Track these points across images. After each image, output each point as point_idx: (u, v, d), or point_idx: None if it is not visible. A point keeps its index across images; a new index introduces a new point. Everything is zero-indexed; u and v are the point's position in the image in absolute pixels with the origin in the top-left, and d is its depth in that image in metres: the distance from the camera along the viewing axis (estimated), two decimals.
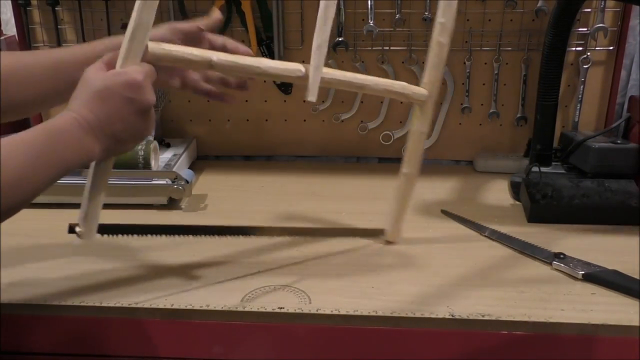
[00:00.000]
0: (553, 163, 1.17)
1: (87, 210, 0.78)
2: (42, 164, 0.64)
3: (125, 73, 0.66)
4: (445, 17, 0.88)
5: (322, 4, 0.76)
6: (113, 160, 0.74)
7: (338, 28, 1.25)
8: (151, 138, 1.26)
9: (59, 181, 1.10)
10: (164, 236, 0.94)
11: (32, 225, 0.98)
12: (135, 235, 0.90)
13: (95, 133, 0.66)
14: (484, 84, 1.29)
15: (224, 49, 0.83)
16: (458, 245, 0.96)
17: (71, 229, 0.77)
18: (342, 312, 0.77)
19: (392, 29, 1.26)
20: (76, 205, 1.09)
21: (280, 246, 0.95)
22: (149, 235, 0.91)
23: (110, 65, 0.68)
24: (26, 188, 0.63)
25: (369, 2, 1.23)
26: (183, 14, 1.26)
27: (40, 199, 1.08)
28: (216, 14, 0.86)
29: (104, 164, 0.74)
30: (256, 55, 1.28)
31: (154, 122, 0.72)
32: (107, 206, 1.08)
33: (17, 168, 0.61)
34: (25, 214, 1.06)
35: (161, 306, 0.79)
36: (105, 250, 0.93)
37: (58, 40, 1.29)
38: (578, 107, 1.27)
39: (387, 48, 1.27)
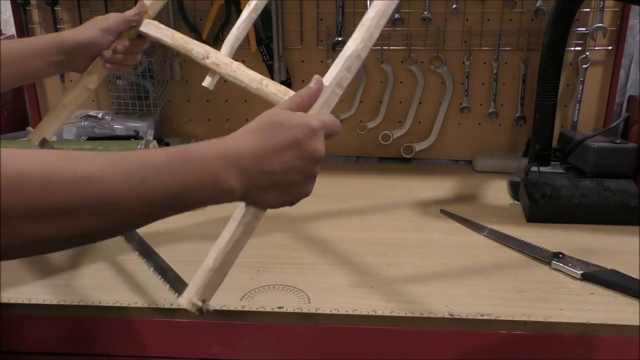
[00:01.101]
0: (552, 163, 1.17)
1: (213, 276, 0.59)
2: (149, 187, 0.51)
3: (303, 116, 0.61)
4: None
5: None
6: (261, 216, 0.62)
7: (337, 27, 1.25)
8: (151, 138, 1.26)
9: None
10: (161, 235, 0.94)
11: None
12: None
13: (243, 166, 0.56)
14: (483, 84, 1.29)
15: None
16: (457, 245, 0.96)
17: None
18: (342, 312, 0.77)
19: (391, 29, 1.26)
20: None
21: (279, 246, 0.95)
22: (148, 236, 0.91)
23: (297, 107, 0.63)
24: (116, 213, 0.50)
25: (368, 1, 1.23)
26: (182, 14, 1.26)
27: None
28: (141, 5, 0.90)
29: (250, 217, 0.61)
30: (255, 54, 1.29)
31: (313, 183, 0.63)
32: None
33: (108, 187, 0.49)
34: None
35: (160, 306, 0.79)
36: (105, 250, 0.93)
37: None
38: (577, 107, 1.27)
39: (386, 48, 1.27)
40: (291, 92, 0.72)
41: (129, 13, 0.88)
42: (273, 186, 0.59)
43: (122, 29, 0.88)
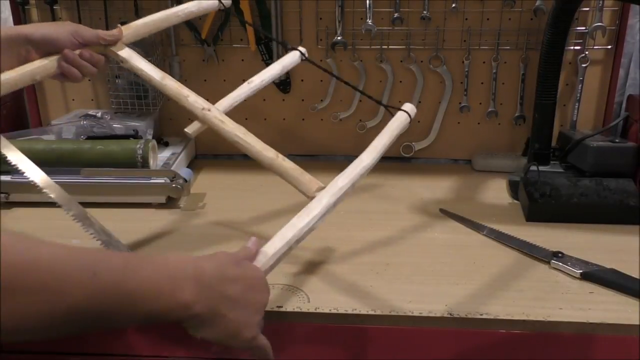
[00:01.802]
0: (551, 162, 1.17)
1: None
2: (101, 284, 0.49)
3: (257, 268, 0.67)
4: None
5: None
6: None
7: (337, 27, 1.25)
8: (150, 137, 1.26)
9: (58, 180, 1.11)
10: (163, 236, 0.94)
11: (32, 224, 0.98)
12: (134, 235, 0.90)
13: (204, 280, 0.57)
14: (482, 83, 1.29)
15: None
16: (456, 244, 0.96)
17: None
18: (341, 311, 0.77)
19: (390, 28, 1.26)
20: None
21: None
22: (148, 236, 0.91)
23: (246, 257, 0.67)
24: (62, 305, 0.48)
25: (368, 1, 1.23)
26: None
27: (34, 197, 1.08)
28: (117, 32, 0.88)
29: None
30: (255, 54, 1.29)
31: (260, 329, 0.64)
32: (105, 205, 1.08)
33: (55, 275, 0.47)
34: (25, 212, 1.07)
35: None
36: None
37: None
38: (576, 106, 1.27)
39: (386, 47, 1.27)
40: (306, 174, 0.80)
41: (104, 32, 0.86)
42: (224, 310, 0.58)
43: (91, 42, 0.86)
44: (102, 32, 0.86)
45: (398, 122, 0.87)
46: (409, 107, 0.90)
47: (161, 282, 0.53)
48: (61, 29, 0.84)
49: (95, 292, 0.49)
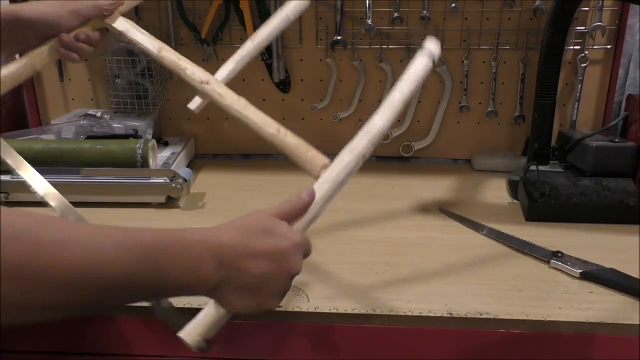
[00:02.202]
0: (551, 162, 1.17)
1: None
2: (134, 261, 0.50)
3: (290, 228, 0.61)
4: None
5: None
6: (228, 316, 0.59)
7: (336, 27, 1.25)
8: (149, 136, 1.26)
9: (58, 180, 1.11)
10: None
11: None
12: None
13: (222, 258, 0.55)
14: (482, 83, 1.29)
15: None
16: (456, 243, 0.96)
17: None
18: (341, 311, 0.77)
19: (390, 28, 1.26)
20: (73, 204, 1.09)
21: None
22: None
23: (279, 217, 0.62)
24: (82, 290, 0.48)
25: (367, 1, 1.23)
26: (181, 13, 1.26)
27: (34, 197, 1.08)
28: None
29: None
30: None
31: (281, 299, 0.61)
32: (105, 205, 1.08)
33: (78, 259, 0.47)
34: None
35: None
36: None
37: None
38: (576, 106, 1.27)
39: (385, 46, 1.27)
40: (313, 150, 0.72)
41: (104, 2, 0.82)
42: (244, 287, 0.57)
43: (91, 15, 0.81)
44: (101, 2, 0.82)
45: (417, 69, 0.71)
46: (431, 46, 0.72)
47: (187, 260, 0.54)
48: (60, 10, 0.79)
49: (130, 267, 0.50)
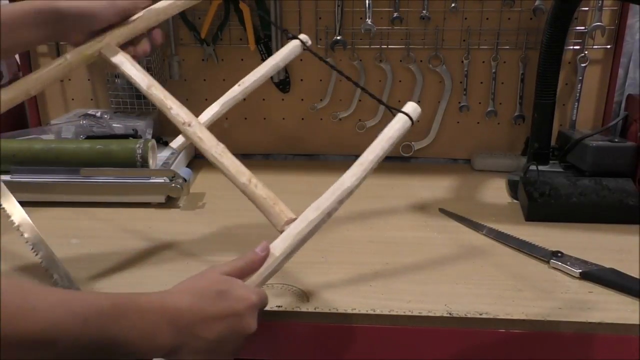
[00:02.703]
0: (551, 161, 1.17)
1: None
2: (89, 330, 0.51)
3: (246, 289, 0.63)
4: None
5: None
6: None
7: (336, 26, 1.25)
8: (149, 136, 1.26)
9: (58, 180, 1.11)
10: (163, 235, 0.94)
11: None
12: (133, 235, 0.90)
13: (179, 325, 0.57)
14: (481, 83, 1.29)
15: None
16: (456, 243, 0.96)
17: None
18: (340, 311, 0.77)
19: (390, 28, 1.26)
20: (73, 204, 1.10)
21: None
22: (147, 236, 0.91)
23: (234, 274, 0.64)
24: (51, 351, 0.50)
25: (367, 0, 1.23)
26: (181, 14, 1.26)
27: (34, 197, 1.08)
28: None
29: None
30: (254, 53, 1.29)
31: (234, 357, 0.63)
32: (105, 205, 1.08)
33: (50, 324, 0.49)
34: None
35: None
36: (105, 248, 0.93)
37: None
38: (576, 106, 1.27)
39: (385, 46, 1.27)
40: (280, 204, 0.73)
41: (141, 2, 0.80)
42: (199, 351, 0.59)
43: (129, 9, 0.80)
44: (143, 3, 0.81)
45: (396, 128, 0.76)
46: (410, 107, 0.76)
47: (144, 327, 0.55)
48: (98, 3, 0.77)
49: (83, 338, 0.51)
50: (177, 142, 0.83)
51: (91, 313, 0.52)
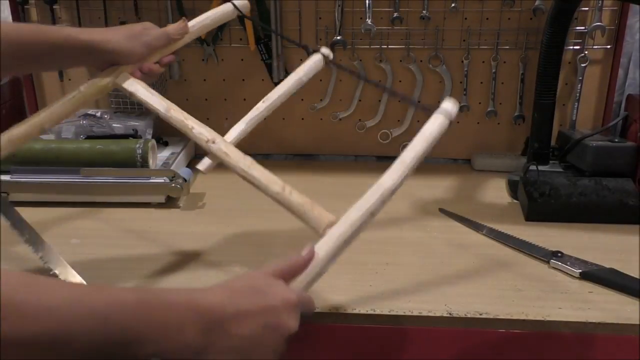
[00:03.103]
0: (550, 161, 1.17)
1: None
2: (111, 328, 0.48)
3: (284, 286, 0.60)
4: None
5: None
6: None
7: (336, 26, 1.25)
8: (149, 136, 1.26)
9: (58, 180, 1.11)
10: (163, 235, 0.94)
11: (31, 224, 0.97)
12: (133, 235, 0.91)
13: (209, 322, 0.53)
14: (481, 83, 1.29)
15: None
16: (456, 243, 0.96)
17: None
18: (341, 311, 0.77)
19: (390, 28, 1.26)
20: (73, 204, 1.10)
21: (278, 244, 0.95)
22: (147, 236, 0.91)
23: (277, 275, 0.61)
24: (70, 350, 0.47)
25: (367, 0, 1.23)
26: (181, 13, 1.26)
27: (34, 197, 1.08)
28: (184, 25, 0.85)
29: None
30: (254, 53, 1.29)
31: (276, 358, 0.59)
32: (105, 205, 1.08)
33: (68, 323, 0.46)
34: (25, 212, 1.06)
35: None
36: (105, 248, 0.93)
37: None
38: (576, 106, 1.27)
39: (385, 46, 1.27)
40: (317, 206, 0.71)
41: (172, 28, 0.83)
42: (232, 351, 0.54)
43: (162, 45, 0.82)
44: (170, 30, 0.83)
45: (433, 129, 0.74)
46: (448, 106, 0.73)
47: (169, 324, 0.51)
48: (134, 43, 0.79)
49: (104, 337, 0.48)
50: (204, 164, 0.79)
51: (114, 310, 0.49)
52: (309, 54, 0.90)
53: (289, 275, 0.62)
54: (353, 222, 0.66)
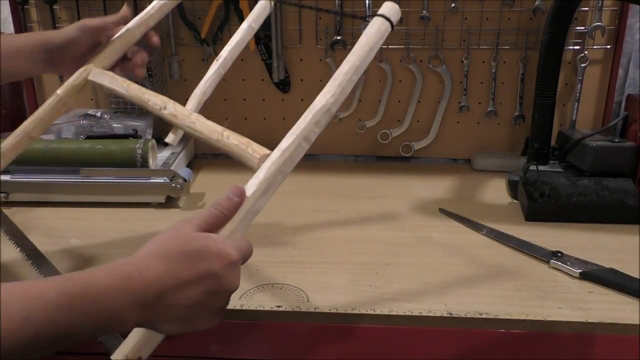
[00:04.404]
0: (550, 161, 1.17)
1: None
2: (34, 329, 0.46)
3: (222, 244, 0.56)
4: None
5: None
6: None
7: (336, 26, 1.25)
8: (149, 136, 1.26)
9: (58, 180, 1.11)
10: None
11: (32, 224, 0.98)
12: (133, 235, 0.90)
13: (147, 300, 0.52)
14: (481, 83, 1.29)
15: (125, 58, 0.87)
16: (456, 243, 0.96)
17: None
18: (340, 311, 0.77)
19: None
20: (73, 204, 1.09)
21: (278, 244, 0.95)
22: (147, 236, 0.91)
23: (208, 226, 0.58)
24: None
25: (367, 0, 1.23)
26: (181, 13, 1.26)
27: (34, 197, 1.08)
28: (124, 11, 0.86)
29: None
30: (254, 53, 1.29)
31: (221, 316, 0.58)
32: (105, 205, 1.08)
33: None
34: (25, 212, 1.07)
35: None
36: (105, 248, 0.93)
37: None
38: (575, 106, 1.27)
39: (385, 46, 1.27)
40: (254, 144, 0.69)
41: (110, 18, 0.86)
42: (174, 319, 0.54)
43: (98, 27, 0.84)
44: (108, 19, 0.85)
45: (371, 32, 0.66)
46: (386, 8, 0.65)
47: (99, 313, 0.50)
48: (74, 28, 0.83)
49: (26, 337, 0.46)
50: (170, 137, 0.83)
51: (34, 309, 0.47)
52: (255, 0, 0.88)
53: (221, 223, 0.59)
54: (284, 150, 0.63)
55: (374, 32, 0.66)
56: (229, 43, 0.86)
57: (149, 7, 0.89)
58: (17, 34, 0.82)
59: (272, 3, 0.87)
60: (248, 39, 0.87)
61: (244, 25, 0.86)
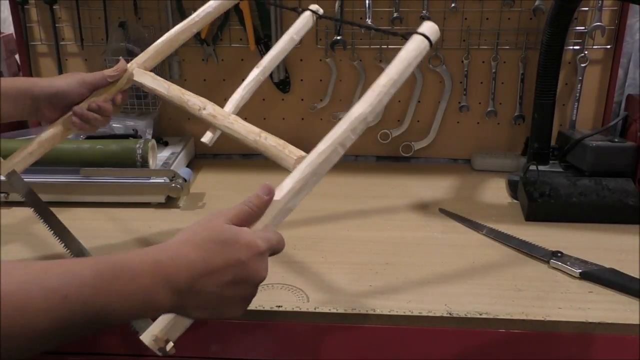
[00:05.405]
0: (550, 161, 1.17)
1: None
2: (70, 306, 0.47)
3: (250, 235, 0.58)
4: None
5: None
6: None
7: (336, 26, 1.25)
8: (149, 136, 1.26)
9: (58, 180, 1.11)
10: (163, 235, 0.94)
11: (32, 224, 0.98)
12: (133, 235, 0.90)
13: (178, 285, 0.53)
14: (481, 83, 1.29)
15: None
16: (456, 243, 0.96)
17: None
18: (340, 311, 0.77)
19: (390, 28, 1.26)
20: (73, 204, 1.09)
21: None
22: (147, 236, 0.91)
23: (239, 221, 0.60)
24: (30, 333, 0.46)
25: (367, 0, 1.23)
26: (181, 13, 1.26)
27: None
28: (121, 65, 0.87)
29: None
30: (254, 53, 1.29)
31: (247, 305, 0.60)
32: (105, 205, 1.08)
33: (25, 308, 0.45)
34: (25, 212, 1.06)
35: None
36: (105, 249, 0.93)
37: (56, 39, 1.29)
38: (575, 106, 1.27)
39: (385, 46, 1.27)
40: (290, 146, 0.74)
41: (107, 71, 0.86)
42: (203, 306, 0.56)
43: (97, 83, 0.86)
44: (106, 72, 0.87)
45: (410, 49, 0.69)
46: (427, 27, 0.67)
47: (133, 295, 0.51)
48: (69, 81, 0.85)
49: (63, 315, 0.47)
50: (206, 137, 0.86)
51: (72, 287, 0.47)
52: (299, 13, 0.91)
53: (252, 219, 0.61)
54: (321, 153, 0.65)
55: (413, 49, 0.69)
56: (269, 52, 0.91)
57: (193, 15, 0.91)
58: (4, 78, 0.83)
59: (315, 18, 0.91)
60: (289, 49, 0.92)
61: (285, 37, 0.91)
